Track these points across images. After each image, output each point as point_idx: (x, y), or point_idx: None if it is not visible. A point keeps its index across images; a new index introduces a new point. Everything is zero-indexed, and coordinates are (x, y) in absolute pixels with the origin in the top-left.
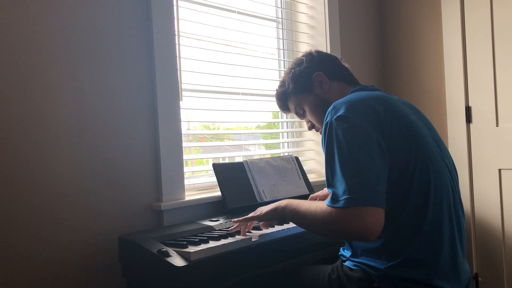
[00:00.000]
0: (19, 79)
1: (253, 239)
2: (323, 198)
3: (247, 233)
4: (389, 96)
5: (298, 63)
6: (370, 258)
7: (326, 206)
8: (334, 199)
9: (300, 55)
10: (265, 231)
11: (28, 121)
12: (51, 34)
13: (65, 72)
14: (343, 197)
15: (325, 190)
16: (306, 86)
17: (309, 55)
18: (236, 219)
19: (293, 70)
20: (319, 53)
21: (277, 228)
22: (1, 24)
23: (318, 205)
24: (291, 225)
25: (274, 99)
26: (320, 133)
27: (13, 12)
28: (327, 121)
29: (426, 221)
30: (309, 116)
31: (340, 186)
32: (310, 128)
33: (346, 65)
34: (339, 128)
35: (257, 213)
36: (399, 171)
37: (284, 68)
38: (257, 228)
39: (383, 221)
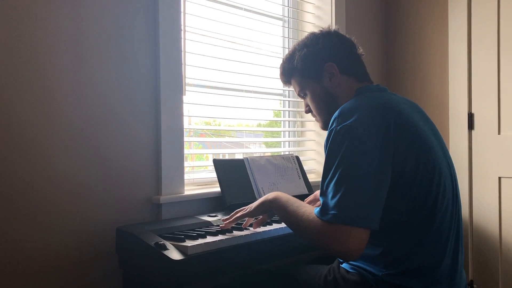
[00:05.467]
0: (21, 72)
1: (250, 236)
2: (313, 200)
3: (245, 230)
4: (397, 99)
5: (314, 42)
6: (368, 264)
7: (314, 215)
8: (324, 210)
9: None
10: (263, 228)
11: (30, 112)
12: (54, 28)
13: (68, 64)
14: (332, 212)
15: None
16: (315, 73)
17: (328, 36)
18: (225, 218)
19: (305, 49)
20: (338, 35)
21: (275, 226)
22: (3, 20)
23: (306, 209)
24: None
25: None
26: (317, 121)
27: (14, 7)
28: (333, 128)
29: (430, 233)
30: (309, 103)
31: (332, 199)
32: (307, 112)
33: (361, 51)
34: (344, 140)
35: (247, 210)
36: (407, 182)
37: None
38: None
39: (366, 243)
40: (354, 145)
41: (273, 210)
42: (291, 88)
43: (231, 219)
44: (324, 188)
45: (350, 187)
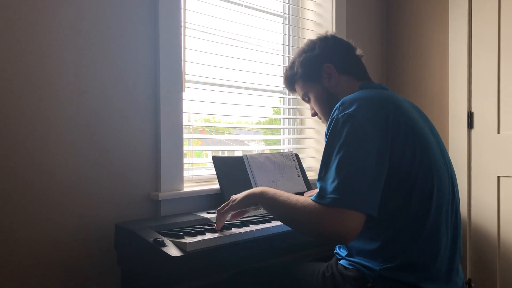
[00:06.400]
0: (21, 70)
1: (249, 233)
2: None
3: (244, 227)
4: (398, 97)
5: (311, 47)
6: (366, 259)
7: (310, 200)
8: (321, 195)
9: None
10: (261, 226)
11: (29, 109)
12: (55, 24)
13: (68, 61)
14: (331, 196)
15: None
16: (315, 76)
17: (323, 40)
18: (215, 225)
19: (304, 55)
20: (334, 39)
21: (274, 223)
22: (5, 19)
23: (299, 198)
24: None
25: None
26: (322, 122)
27: (16, 6)
28: (334, 116)
29: (426, 227)
30: (313, 105)
31: (331, 184)
32: (313, 115)
33: (360, 53)
34: (344, 127)
35: (230, 204)
36: (402, 175)
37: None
38: (253, 222)
39: (361, 228)
40: (354, 132)
41: (259, 204)
42: None
43: (219, 221)
44: (323, 173)
45: (351, 172)
